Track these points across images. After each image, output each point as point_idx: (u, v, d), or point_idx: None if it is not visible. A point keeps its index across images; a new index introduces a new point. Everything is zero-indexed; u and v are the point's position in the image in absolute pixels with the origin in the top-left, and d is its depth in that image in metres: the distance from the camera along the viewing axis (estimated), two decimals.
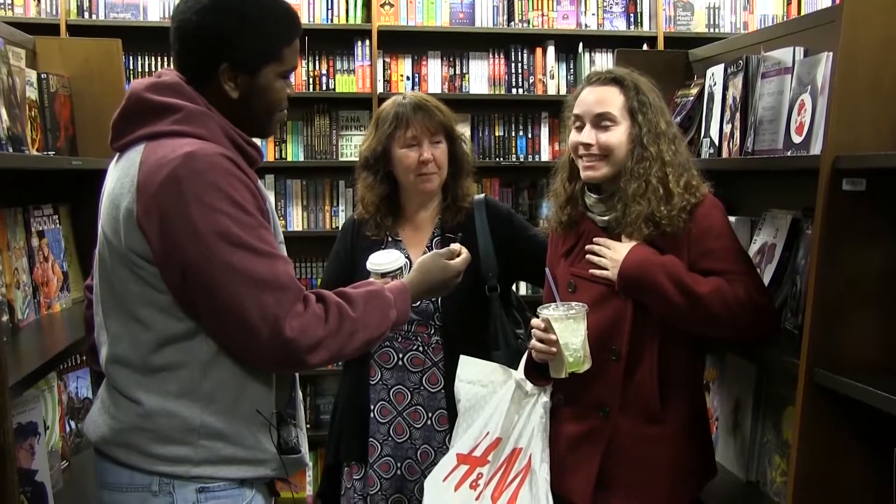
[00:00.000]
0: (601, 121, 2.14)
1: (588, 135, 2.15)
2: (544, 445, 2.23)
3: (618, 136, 2.14)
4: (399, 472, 2.55)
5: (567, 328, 2.08)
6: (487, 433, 2.31)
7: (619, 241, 2.15)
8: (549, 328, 2.10)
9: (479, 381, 2.38)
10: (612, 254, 2.13)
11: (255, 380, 1.75)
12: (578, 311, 2.09)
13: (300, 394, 1.97)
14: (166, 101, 1.71)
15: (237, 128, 1.78)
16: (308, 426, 4.73)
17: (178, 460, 1.70)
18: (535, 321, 2.17)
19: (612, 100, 2.15)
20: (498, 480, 2.24)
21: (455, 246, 2.18)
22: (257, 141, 1.83)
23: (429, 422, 2.54)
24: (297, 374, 1.94)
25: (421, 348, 2.55)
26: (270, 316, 1.62)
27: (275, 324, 1.62)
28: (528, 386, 2.28)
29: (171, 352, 1.69)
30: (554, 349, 2.10)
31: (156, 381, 1.70)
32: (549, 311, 2.12)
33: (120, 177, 1.70)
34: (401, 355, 2.56)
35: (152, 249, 1.64)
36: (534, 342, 2.16)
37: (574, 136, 2.19)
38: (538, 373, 2.23)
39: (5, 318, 2.28)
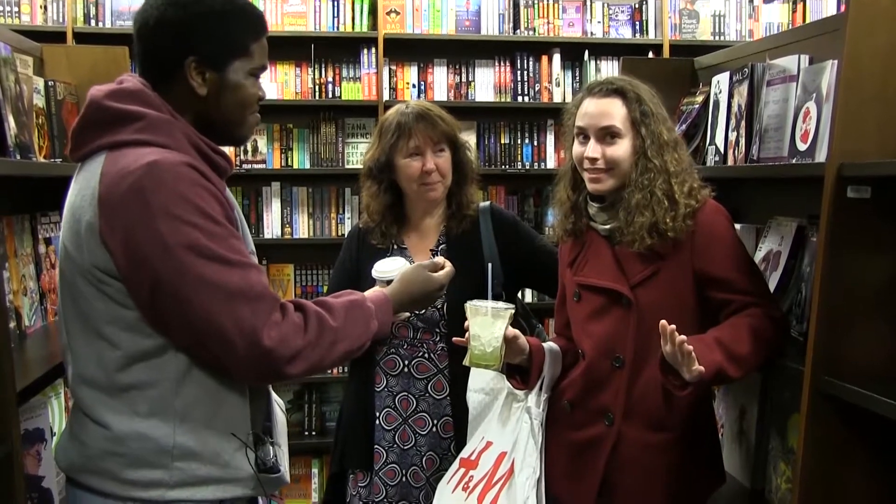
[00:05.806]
0: (606, 134, 2.14)
1: (593, 149, 2.15)
2: (529, 450, 2.23)
3: (623, 148, 2.14)
4: (404, 478, 2.55)
5: (480, 322, 2.11)
6: (483, 438, 2.33)
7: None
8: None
9: (484, 389, 2.40)
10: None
11: (229, 395, 1.70)
12: (498, 311, 2.11)
13: (278, 406, 1.92)
14: (128, 109, 1.65)
15: (209, 132, 1.72)
16: (313, 433, 4.80)
17: (152, 484, 1.64)
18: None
19: (615, 112, 2.14)
20: (485, 484, 2.25)
21: (439, 259, 2.18)
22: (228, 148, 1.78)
23: (434, 429, 2.54)
24: (270, 387, 1.88)
25: (427, 355, 2.55)
26: (247, 327, 1.58)
27: (252, 334, 1.58)
28: (519, 392, 2.29)
29: (140, 370, 1.63)
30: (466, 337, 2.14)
31: (124, 401, 1.64)
32: (477, 302, 2.14)
33: (81, 189, 1.64)
34: (406, 362, 2.56)
35: (117, 265, 1.57)
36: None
37: (578, 149, 2.19)
38: (510, 374, 2.26)
39: (12, 324, 2.29)
